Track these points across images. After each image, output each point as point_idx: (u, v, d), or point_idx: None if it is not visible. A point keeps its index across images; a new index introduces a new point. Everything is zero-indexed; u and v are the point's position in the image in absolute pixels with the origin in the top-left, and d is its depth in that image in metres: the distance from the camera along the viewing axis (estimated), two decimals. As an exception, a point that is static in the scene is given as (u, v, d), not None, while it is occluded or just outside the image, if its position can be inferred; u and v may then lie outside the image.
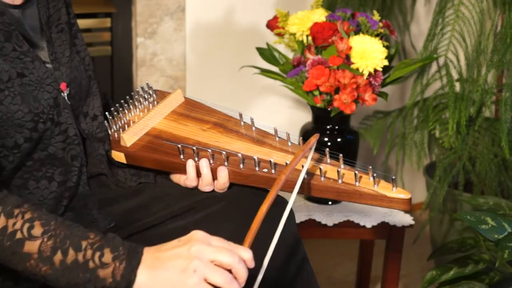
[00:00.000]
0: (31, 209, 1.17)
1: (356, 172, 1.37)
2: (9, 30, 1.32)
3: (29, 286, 1.38)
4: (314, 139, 1.40)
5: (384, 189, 1.36)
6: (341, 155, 1.40)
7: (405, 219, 2.07)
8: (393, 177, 1.36)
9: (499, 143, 2.20)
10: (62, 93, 1.39)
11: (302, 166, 1.37)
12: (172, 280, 1.12)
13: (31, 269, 1.15)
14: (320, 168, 1.38)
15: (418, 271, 2.56)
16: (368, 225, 2.05)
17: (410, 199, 1.35)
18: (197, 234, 1.15)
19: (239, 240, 1.37)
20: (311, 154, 1.38)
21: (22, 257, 1.15)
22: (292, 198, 1.28)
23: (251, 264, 1.15)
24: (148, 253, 1.14)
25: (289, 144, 1.50)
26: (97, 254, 1.14)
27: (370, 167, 1.37)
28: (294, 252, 1.42)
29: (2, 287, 1.37)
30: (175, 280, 1.11)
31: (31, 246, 1.14)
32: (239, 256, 1.13)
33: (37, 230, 1.15)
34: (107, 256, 1.13)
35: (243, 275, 1.13)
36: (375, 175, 1.36)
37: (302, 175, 1.33)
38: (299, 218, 2.03)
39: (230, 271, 1.13)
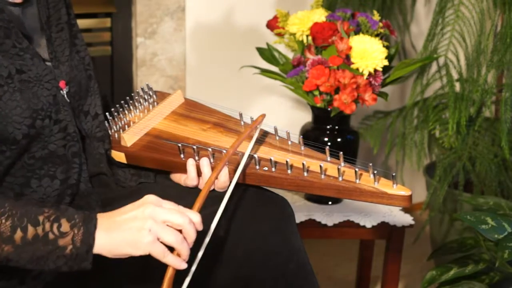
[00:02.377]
0: None
1: (357, 169, 1.37)
2: (8, 27, 1.33)
3: (35, 284, 1.39)
4: (261, 118, 1.49)
5: (385, 186, 1.36)
6: (341, 153, 1.40)
7: (405, 219, 2.07)
8: (393, 174, 1.36)
9: (499, 143, 2.20)
10: (61, 91, 1.39)
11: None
12: (129, 240, 1.19)
13: None
14: (320, 166, 1.38)
15: (418, 271, 2.56)
16: (368, 225, 2.05)
17: (410, 196, 1.35)
18: (150, 198, 1.23)
19: (239, 238, 1.37)
20: (257, 133, 1.47)
21: None
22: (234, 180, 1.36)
23: (200, 227, 1.24)
24: (103, 218, 1.21)
25: (289, 143, 1.50)
26: (55, 225, 1.20)
27: (371, 164, 1.37)
28: (294, 252, 1.41)
29: (7, 286, 1.38)
30: (132, 240, 1.19)
31: None
32: (189, 218, 1.22)
33: None
34: (65, 225, 1.20)
35: (192, 235, 1.22)
36: (375, 172, 1.37)
37: (245, 157, 1.39)
38: (299, 218, 2.03)
39: (181, 232, 1.22)
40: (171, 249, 1.21)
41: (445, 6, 2.25)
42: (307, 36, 2.02)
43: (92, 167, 1.51)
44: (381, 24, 2.04)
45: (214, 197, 1.43)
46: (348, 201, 2.12)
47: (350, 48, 1.94)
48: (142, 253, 1.20)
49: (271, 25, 2.12)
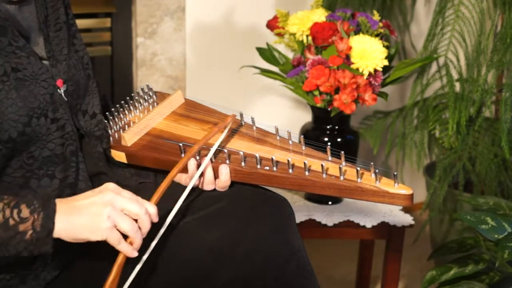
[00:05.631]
0: None
1: (358, 168, 1.37)
2: (4, 25, 1.33)
3: (35, 284, 1.39)
4: (230, 118, 1.51)
5: (386, 185, 1.36)
6: (342, 152, 1.40)
7: (405, 219, 2.07)
8: (395, 173, 1.36)
9: (499, 143, 2.20)
10: (58, 90, 1.39)
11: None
12: (87, 225, 1.23)
13: None
14: (322, 165, 1.38)
15: (418, 271, 2.56)
16: (368, 225, 2.05)
17: (412, 195, 1.35)
18: (110, 185, 1.28)
19: (239, 238, 1.38)
20: (225, 132, 1.49)
21: None
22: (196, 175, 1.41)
23: (155, 219, 1.28)
24: (62, 203, 1.25)
25: (290, 142, 1.50)
26: (15, 211, 1.23)
27: (372, 163, 1.37)
28: (294, 252, 1.41)
29: (8, 285, 1.38)
30: (90, 225, 1.23)
31: None
32: (146, 209, 1.27)
33: None
34: (25, 211, 1.23)
35: (147, 226, 1.27)
36: (377, 171, 1.37)
37: (211, 153, 1.42)
38: (299, 218, 2.03)
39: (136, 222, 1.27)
40: (125, 237, 1.26)
41: (445, 6, 2.25)
42: (307, 36, 2.02)
43: (92, 166, 1.51)
44: (381, 24, 2.04)
45: (213, 196, 1.43)
46: (348, 201, 2.12)
47: (350, 48, 1.94)
48: (99, 239, 1.24)
49: (271, 25, 2.12)
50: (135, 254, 1.27)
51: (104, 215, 1.23)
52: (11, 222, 1.23)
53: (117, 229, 1.25)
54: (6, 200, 1.24)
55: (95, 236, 1.24)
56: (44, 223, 1.23)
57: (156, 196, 1.32)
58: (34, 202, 1.24)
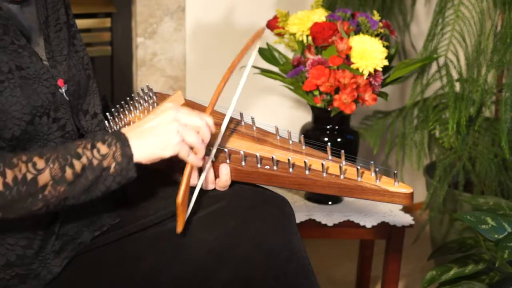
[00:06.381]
0: (22, 152, 1.29)
1: (358, 167, 1.37)
2: (7, 24, 1.34)
3: (35, 284, 1.39)
4: (261, 30, 1.57)
5: (386, 184, 1.36)
6: (342, 151, 1.40)
7: (405, 219, 2.07)
8: (395, 172, 1.36)
9: (499, 143, 2.20)
10: (60, 89, 1.40)
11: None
12: (160, 143, 1.31)
13: (50, 196, 1.27)
14: (322, 164, 1.38)
15: (418, 271, 2.56)
16: (368, 225, 2.05)
17: (412, 194, 1.35)
18: (168, 105, 1.37)
19: (239, 238, 1.38)
20: (257, 45, 1.57)
21: (40, 192, 1.26)
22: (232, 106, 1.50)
23: (213, 129, 1.37)
24: (129, 131, 1.32)
25: (290, 142, 1.50)
26: (94, 150, 1.29)
27: (372, 162, 1.37)
28: (294, 252, 1.41)
29: (8, 285, 1.38)
30: (163, 143, 1.31)
31: (44, 178, 1.26)
32: (206, 121, 1.35)
33: (40, 163, 1.26)
34: (102, 148, 1.29)
35: (208, 136, 1.36)
36: (377, 170, 1.37)
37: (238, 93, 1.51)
38: (299, 218, 2.03)
39: None
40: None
41: (445, 6, 2.25)
42: (307, 36, 2.02)
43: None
44: (381, 24, 2.04)
45: (213, 196, 1.43)
46: (348, 201, 2.12)
47: (350, 48, 1.94)
48: (172, 154, 1.31)
49: (271, 25, 2.12)
50: (201, 163, 1.35)
51: (173, 132, 1.31)
52: (95, 162, 1.28)
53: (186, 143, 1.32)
54: (82, 144, 1.29)
55: (168, 152, 1.31)
56: (123, 152, 1.28)
57: (210, 108, 1.42)
58: (105, 137, 1.29)
